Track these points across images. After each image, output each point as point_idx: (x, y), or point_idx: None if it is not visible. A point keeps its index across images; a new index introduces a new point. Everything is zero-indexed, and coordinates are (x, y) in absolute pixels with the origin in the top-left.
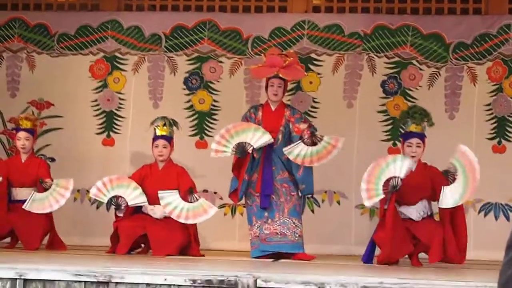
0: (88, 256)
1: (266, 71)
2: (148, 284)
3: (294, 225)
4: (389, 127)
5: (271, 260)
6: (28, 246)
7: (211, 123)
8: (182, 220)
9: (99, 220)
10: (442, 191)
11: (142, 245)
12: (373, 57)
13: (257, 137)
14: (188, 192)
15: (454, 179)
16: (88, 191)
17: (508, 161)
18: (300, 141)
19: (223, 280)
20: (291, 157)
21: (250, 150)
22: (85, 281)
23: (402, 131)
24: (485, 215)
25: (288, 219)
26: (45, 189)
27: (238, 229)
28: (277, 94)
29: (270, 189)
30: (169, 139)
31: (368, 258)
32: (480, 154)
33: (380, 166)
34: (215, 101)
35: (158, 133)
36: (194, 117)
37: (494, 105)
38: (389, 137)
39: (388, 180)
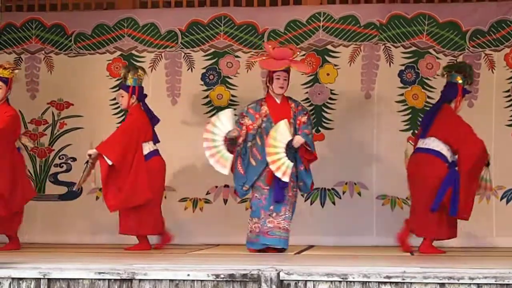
0: (111, 254)
1: (277, 64)
2: (171, 280)
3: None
4: (408, 116)
5: (294, 253)
6: None
7: None
8: None
9: None
10: None
11: None
12: (390, 47)
13: None
14: None
15: None
16: None
17: None
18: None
19: (246, 274)
20: None
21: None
22: (108, 279)
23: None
24: (507, 202)
25: (292, 215)
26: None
27: None
28: (283, 87)
29: (286, 182)
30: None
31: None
32: (500, 141)
33: None
34: (233, 96)
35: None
36: (213, 112)
37: None
38: (408, 126)
39: None
